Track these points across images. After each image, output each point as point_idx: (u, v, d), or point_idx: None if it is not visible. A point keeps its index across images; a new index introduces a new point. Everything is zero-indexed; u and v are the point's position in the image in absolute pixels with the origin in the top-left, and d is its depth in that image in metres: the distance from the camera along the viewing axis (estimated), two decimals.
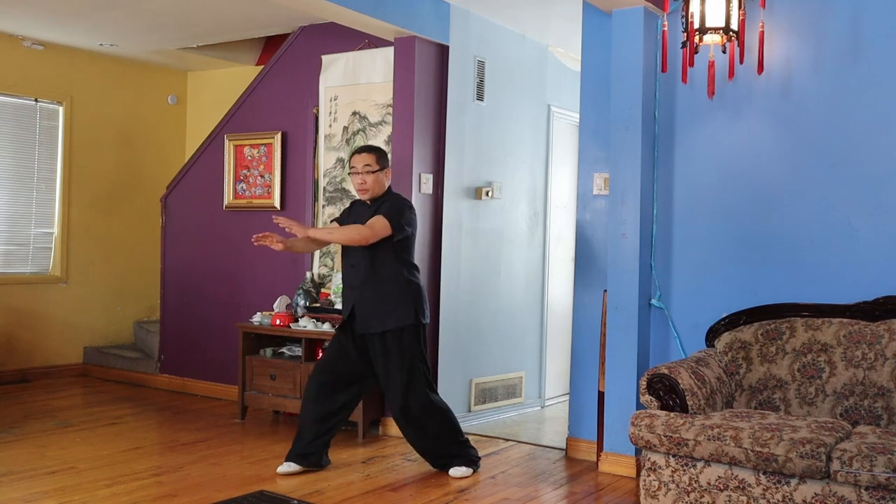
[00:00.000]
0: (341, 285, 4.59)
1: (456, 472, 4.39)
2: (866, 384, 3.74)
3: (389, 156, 5.58)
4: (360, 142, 5.81)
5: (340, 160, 5.89)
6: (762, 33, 4.03)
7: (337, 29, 5.75)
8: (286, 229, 4.26)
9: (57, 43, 7.16)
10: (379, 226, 4.22)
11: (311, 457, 4.42)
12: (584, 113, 4.92)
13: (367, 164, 4.34)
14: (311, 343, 5.42)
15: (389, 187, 4.49)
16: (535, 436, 5.46)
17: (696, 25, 3.93)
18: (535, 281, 6.36)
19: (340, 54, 5.92)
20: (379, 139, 5.70)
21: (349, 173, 4.46)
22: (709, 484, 3.44)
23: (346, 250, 4.39)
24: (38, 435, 5.14)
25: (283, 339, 5.67)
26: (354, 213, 4.48)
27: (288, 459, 4.41)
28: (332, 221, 4.65)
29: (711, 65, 4.14)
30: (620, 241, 4.54)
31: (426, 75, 5.42)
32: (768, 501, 3.30)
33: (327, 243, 4.59)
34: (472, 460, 4.48)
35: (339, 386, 4.42)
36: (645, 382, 3.74)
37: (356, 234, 4.23)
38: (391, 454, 4.85)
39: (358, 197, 4.50)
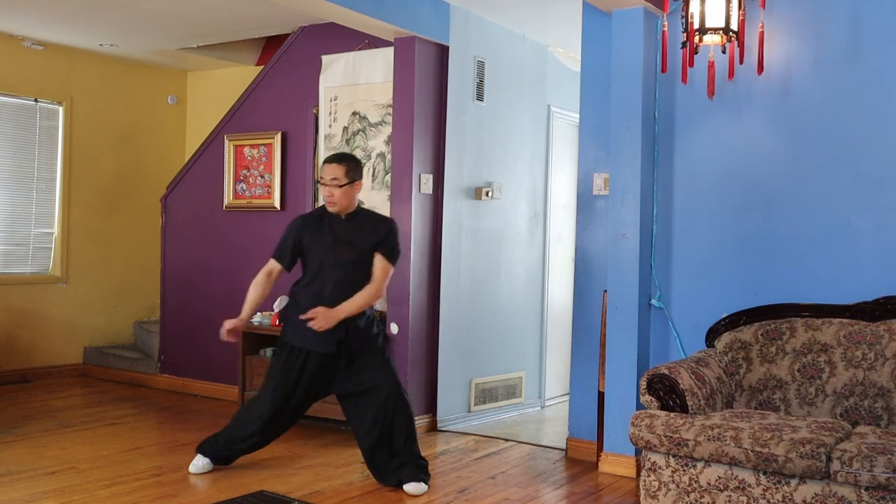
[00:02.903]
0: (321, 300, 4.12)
1: (417, 487, 4.07)
2: (866, 384, 3.74)
3: (388, 156, 5.59)
4: (359, 142, 5.81)
5: None
6: (762, 33, 4.03)
7: (337, 29, 5.75)
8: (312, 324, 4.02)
9: (57, 43, 7.15)
10: (386, 274, 4.13)
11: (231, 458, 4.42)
12: (584, 113, 4.92)
13: (335, 178, 4.08)
14: None
15: (360, 202, 4.30)
16: (535, 436, 5.46)
17: (696, 26, 3.93)
18: (535, 281, 6.37)
19: (340, 54, 5.92)
20: (379, 139, 5.70)
21: (318, 182, 4.19)
22: (709, 484, 3.44)
23: (333, 276, 4.12)
24: (38, 435, 5.13)
25: None
26: (325, 230, 4.15)
27: (208, 456, 4.35)
28: (278, 256, 4.27)
29: (711, 65, 4.14)
30: (620, 241, 4.54)
31: (426, 75, 5.42)
32: (768, 502, 3.30)
33: None
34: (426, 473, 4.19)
35: (288, 419, 4.33)
36: (645, 382, 3.75)
37: (378, 294, 4.13)
38: None
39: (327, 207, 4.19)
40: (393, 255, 4.18)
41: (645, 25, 4.49)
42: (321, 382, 4.22)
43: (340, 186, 4.10)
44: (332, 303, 4.07)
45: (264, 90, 6.42)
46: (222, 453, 4.36)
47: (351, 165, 4.17)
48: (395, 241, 4.21)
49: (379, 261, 4.15)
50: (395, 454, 4.14)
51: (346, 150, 5.85)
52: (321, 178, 4.16)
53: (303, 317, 4.03)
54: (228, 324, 4.21)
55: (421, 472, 4.15)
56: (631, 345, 4.48)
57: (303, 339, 4.13)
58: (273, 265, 4.29)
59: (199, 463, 4.35)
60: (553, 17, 5.66)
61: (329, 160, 4.19)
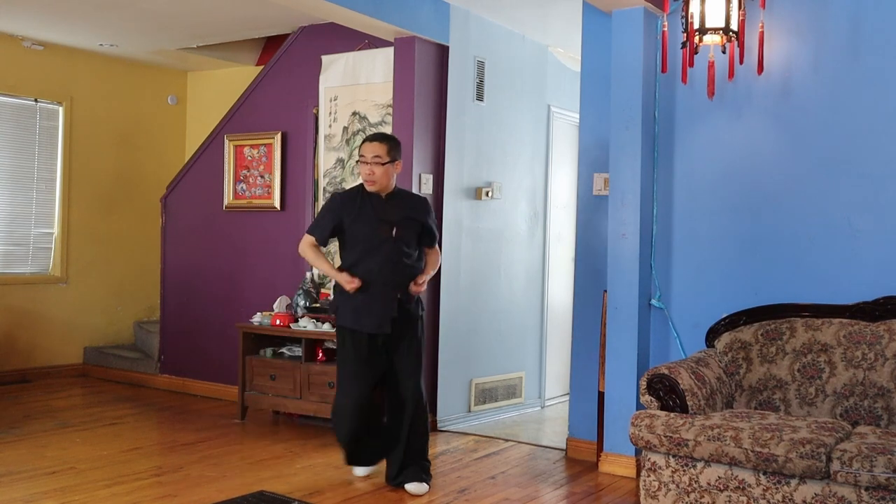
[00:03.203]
0: (362, 292, 4.12)
1: (419, 487, 4.10)
2: (866, 384, 3.74)
3: None
4: (359, 142, 5.79)
5: (340, 160, 5.89)
6: (762, 33, 4.03)
7: (337, 29, 5.75)
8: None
9: (57, 43, 7.15)
10: (439, 254, 4.39)
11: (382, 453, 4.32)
12: (584, 113, 4.92)
13: (378, 156, 4.07)
14: (312, 343, 5.41)
15: (396, 184, 4.25)
16: (535, 436, 5.46)
17: (696, 26, 3.93)
18: (535, 281, 6.37)
19: (340, 54, 5.92)
20: None
21: (358, 161, 4.20)
22: (709, 484, 3.44)
23: (379, 255, 4.10)
24: (38, 435, 5.13)
25: (283, 339, 5.67)
26: (368, 210, 4.11)
27: (362, 464, 4.33)
28: (315, 233, 4.22)
29: (711, 65, 4.14)
30: (620, 241, 4.54)
31: (426, 75, 5.42)
32: (768, 502, 3.30)
33: None
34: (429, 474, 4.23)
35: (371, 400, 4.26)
36: (645, 383, 3.74)
37: (437, 265, 4.37)
38: None
39: (363, 184, 4.18)
40: (435, 240, 4.33)
41: (645, 25, 4.49)
42: (383, 360, 4.22)
43: (382, 164, 4.09)
44: (384, 281, 4.09)
45: (264, 90, 6.42)
46: (362, 456, 4.31)
47: (392, 144, 4.16)
48: (434, 224, 4.30)
49: (429, 252, 4.32)
50: (407, 454, 4.16)
51: (346, 150, 5.85)
52: (362, 156, 4.15)
53: (413, 289, 4.16)
54: (350, 283, 4.07)
55: (423, 472, 4.16)
56: (631, 345, 4.48)
57: (361, 321, 4.11)
58: (312, 240, 4.22)
59: (360, 472, 4.35)
60: (553, 17, 5.67)
61: (371, 138, 4.18)
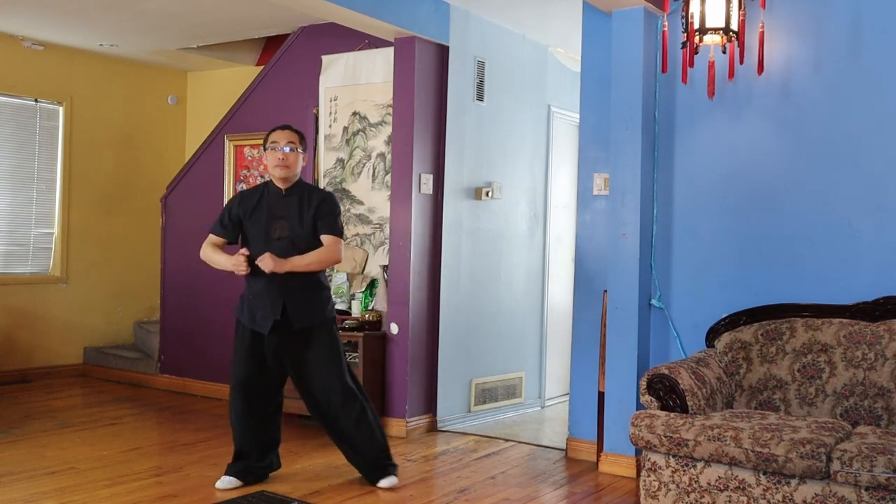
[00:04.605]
0: (254, 287, 4.10)
1: (387, 482, 4.13)
2: (866, 384, 3.74)
3: (388, 156, 5.60)
4: (359, 142, 5.81)
5: (340, 160, 5.89)
6: (762, 33, 4.03)
7: (337, 29, 5.75)
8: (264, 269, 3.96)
9: (57, 43, 7.16)
10: (336, 246, 4.06)
11: (262, 470, 4.23)
12: (584, 113, 4.92)
13: (292, 142, 4.06)
14: None
15: (300, 176, 4.22)
16: (535, 436, 5.46)
17: (696, 26, 3.93)
18: (534, 281, 6.37)
19: (340, 54, 5.92)
20: (379, 139, 5.71)
21: (267, 149, 4.07)
22: (709, 484, 3.44)
23: (266, 250, 4.03)
24: (38, 435, 5.13)
25: None
26: (263, 207, 4.08)
27: (229, 474, 4.14)
28: (215, 230, 4.22)
29: (711, 65, 4.14)
30: (620, 241, 4.54)
31: (426, 75, 5.42)
32: (768, 502, 3.30)
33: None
34: (393, 466, 4.23)
35: (266, 396, 4.21)
36: (645, 383, 3.74)
37: (330, 258, 4.06)
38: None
39: (272, 178, 4.13)
40: (336, 227, 4.09)
41: (645, 25, 4.49)
42: (277, 363, 4.15)
43: (296, 151, 4.08)
44: (268, 281, 4.02)
45: (264, 90, 6.42)
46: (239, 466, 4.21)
47: (302, 136, 4.19)
48: (331, 212, 4.10)
49: (325, 239, 4.06)
50: (361, 453, 4.16)
51: (346, 150, 5.85)
52: (274, 142, 4.07)
53: (257, 261, 3.97)
54: (237, 267, 4.04)
55: (390, 466, 4.18)
56: (631, 345, 4.48)
57: (247, 316, 4.12)
58: (214, 239, 4.23)
59: (224, 482, 4.15)
60: (553, 17, 5.67)
61: (282, 127, 4.16)
